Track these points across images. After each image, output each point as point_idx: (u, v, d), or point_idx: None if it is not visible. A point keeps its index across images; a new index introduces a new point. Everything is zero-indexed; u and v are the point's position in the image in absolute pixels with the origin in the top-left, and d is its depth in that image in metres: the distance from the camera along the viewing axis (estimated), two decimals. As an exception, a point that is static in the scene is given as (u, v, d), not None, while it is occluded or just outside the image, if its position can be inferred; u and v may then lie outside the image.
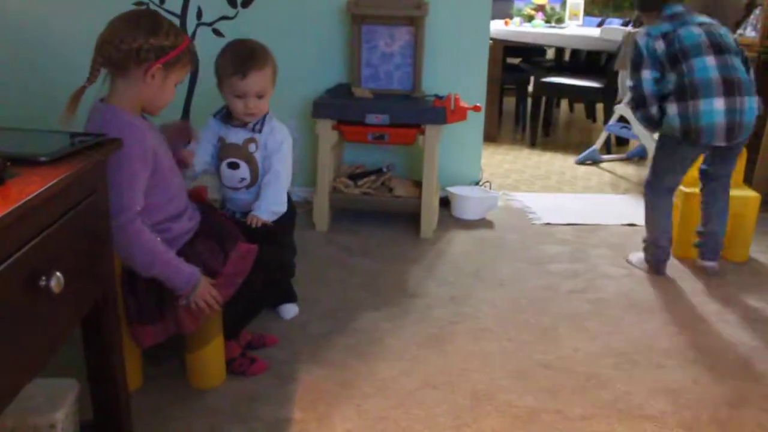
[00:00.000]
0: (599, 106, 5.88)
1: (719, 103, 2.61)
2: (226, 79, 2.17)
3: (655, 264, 2.95)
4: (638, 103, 2.79)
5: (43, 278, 1.17)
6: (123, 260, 1.81)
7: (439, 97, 3.17)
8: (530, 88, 6.01)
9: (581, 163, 4.81)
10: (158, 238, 1.81)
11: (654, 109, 2.75)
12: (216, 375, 2.08)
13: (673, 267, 3.00)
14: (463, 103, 3.14)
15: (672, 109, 2.69)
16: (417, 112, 3.11)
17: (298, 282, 2.56)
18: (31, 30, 3.55)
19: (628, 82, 2.83)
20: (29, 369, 1.19)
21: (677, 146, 2.76)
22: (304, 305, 2.54)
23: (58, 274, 1.18)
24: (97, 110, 1.80)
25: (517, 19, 5.79)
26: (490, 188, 3.74)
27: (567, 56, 6.45)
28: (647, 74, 2.72)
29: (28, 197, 1.11)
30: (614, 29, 4.78)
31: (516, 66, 6.21)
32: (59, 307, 1.27)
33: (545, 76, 5.41)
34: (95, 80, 1.74)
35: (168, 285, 1.84)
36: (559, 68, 6.05)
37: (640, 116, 2.84)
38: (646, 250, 2.98)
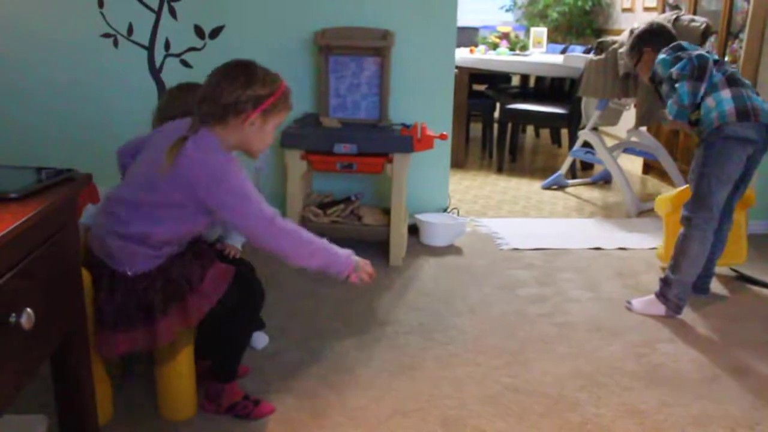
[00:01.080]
0: (564, 132, 5.99)
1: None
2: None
3: (680, 305, 2.81)
4: (684, 112, 2.72)
5: (13, 315, 1.17)
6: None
7: (406, 126, 3.22)
8: (496, 114, 6.10)
9: (547, 187, 4.89)
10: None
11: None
12: (187, 406, 2.08)
13: (639, 287, 3.06)
14: (430, 132, 3.19)
15: (724, 94, 2.66)
16: (384, 141, 3.15)
17: (268, 312, 2.56)
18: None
19: (685, 91, 2.68)
20: (5, 401, 1.19)
21: (727, 145, 2.65)
22: (274, 335, 2.55)
23: (28, 310, 1.19)
24: (201, 136, 1.83)
25: (482, 47, 5.90)
26: (458, 215, 3.79)
27: (532, 83, 6.57)
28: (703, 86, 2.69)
29: (0, 235, 1.12)
30: (576, 56, 4.89)
31: (482, 93, 6.32)
32: (29, 343, 1.27)
33: (511, 103, 5.51)
34: (196, 131, 1.82)
35: (330, 270, 1.93)
36: (524, 95, 6.16)
37: (682, 117, 2.74)
38: (669, 289, 2.79)
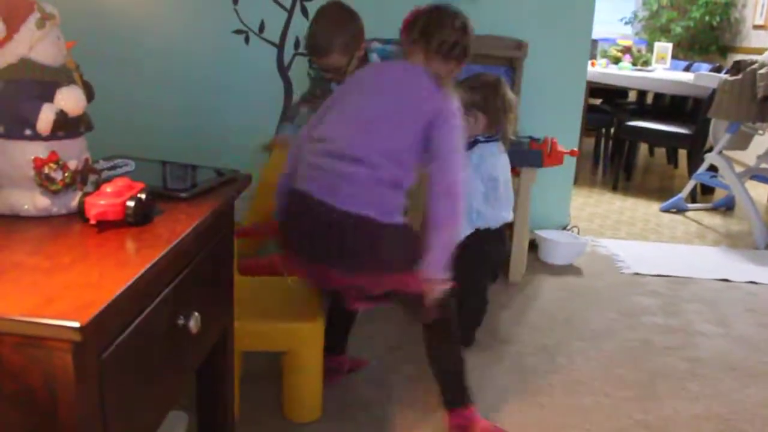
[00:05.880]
0: (682, 152, 5.75)
1: None
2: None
3: None
4: None
5: (181, 317, 1.17)
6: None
7: (534, 140, 3.12)
8: (612, 130, 5.90)
9: (666, 210, 4.68)
10: None
11: None
12: (312, 409, 2.07)
13: (774, 328, 2.88)
14: (561, 147, 3.09)
15: None
16: (513, 154, 3.03)
17: (388, 321, 2.53)
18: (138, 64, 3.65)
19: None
20: (170, 402, 1.19)
21: None
22: (395, 344, 2.51)
23: (196, 314, 1.18)
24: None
25: (603, 61, 5.72)
26: (578, 233, 3.66)
27: (649, 99, 6.32)
28: None
29: (180, 237, 1.11)
30: (708, 75, 4.66)
31: (597, 107, 6.12)
32: (193, 344, 1.26)
33: (630, 120, 5.32)
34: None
35: (441, 255, 1.75)
36: (643, 111, 5.94)
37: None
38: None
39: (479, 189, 2.50)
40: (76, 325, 0.80)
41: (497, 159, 2.55)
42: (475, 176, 2.48)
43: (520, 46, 3.23)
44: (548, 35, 3.41)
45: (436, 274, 1.75)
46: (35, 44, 1.13)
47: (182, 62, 3.63)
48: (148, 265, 0.98)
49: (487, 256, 2.58)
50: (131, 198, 1.13)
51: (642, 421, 2.16)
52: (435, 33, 1.87)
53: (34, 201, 1.16)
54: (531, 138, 3.17)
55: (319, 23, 2.49)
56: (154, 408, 1.11)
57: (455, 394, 2.01)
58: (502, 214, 2.56)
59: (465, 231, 2.47)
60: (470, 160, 2.47)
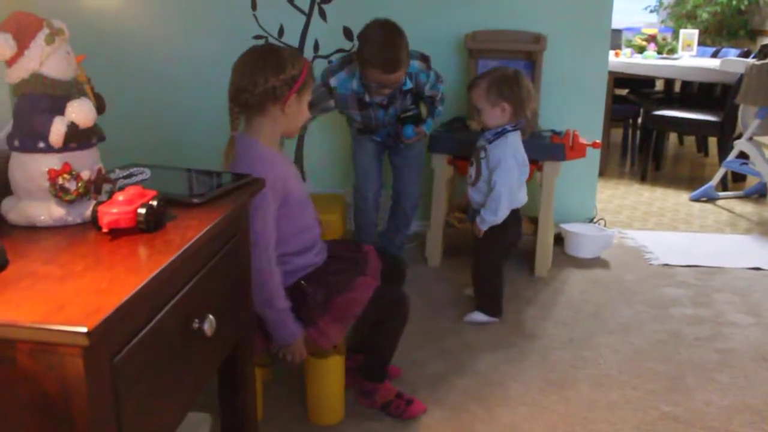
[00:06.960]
0: (712, 140, 5.65)
1: None
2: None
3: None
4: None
5: (196, 321, 1.19)
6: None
7: (556, 133, 3.10)
8: (639, 120, 5.82)
9: (696, 199, 4.61)
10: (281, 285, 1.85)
11: None
12: (335, 411, 2.08)
13: (807, 316, 2.83)
14: (582, 140, 3.06)
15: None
16: (535, 148, 3.02)
17: (414, 319, 2.54)
18: (141, 66, 3.70)
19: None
20: (187, 404, 1.21)
21: None
22: (419, 343, 2.52)
23: (210, 317, 1.20)
24: (235, 142, 1.85)
25: (627, 50, 5.65)
26: (605, 225, 3.63)
27: (677, 87, 6.22)
28: None
29: (190, 242, 1.13)
30: (735, 61, 4.58)
31: (623, 97, 6.05)
32: (209, 348, 1.28)
33: (657, 109, 5.24)
34: (237, 127, 1.84)
35: (270, 331, 1.86)
36: (670, 100, 5.85)
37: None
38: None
39: (516, 173, 2.63)
40: (84, 330, 0.83)
41: (521, 145, 2.70)
42: (513, 163, 2.62)
43: (539, 39, 3.21)
44: (567, 27, 3.39)
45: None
46: (45, 59, 1.17)
47: (204, 69, 3.67)
48: (157, 271, 1.01)
49: (503, 235, 2.69)
50: (143, 205, 1.16)
51: (670, 414, 2.14)
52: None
53: (49, 211, 1.19)
54: (553, 131, 3.15)
55: (390, 39, 2.57)
56: (170, 410, 1.14)
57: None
58: (519, 196, 2.70)
59: (504, 214, 2.63)
60: (504, 149, 2.61)
